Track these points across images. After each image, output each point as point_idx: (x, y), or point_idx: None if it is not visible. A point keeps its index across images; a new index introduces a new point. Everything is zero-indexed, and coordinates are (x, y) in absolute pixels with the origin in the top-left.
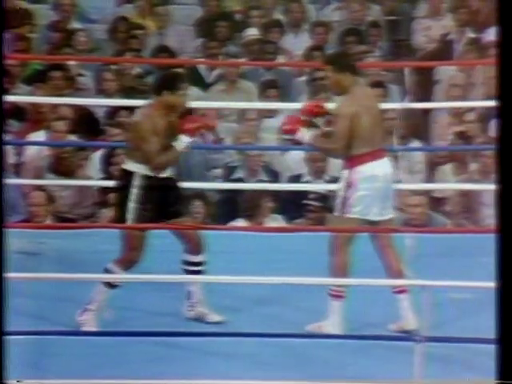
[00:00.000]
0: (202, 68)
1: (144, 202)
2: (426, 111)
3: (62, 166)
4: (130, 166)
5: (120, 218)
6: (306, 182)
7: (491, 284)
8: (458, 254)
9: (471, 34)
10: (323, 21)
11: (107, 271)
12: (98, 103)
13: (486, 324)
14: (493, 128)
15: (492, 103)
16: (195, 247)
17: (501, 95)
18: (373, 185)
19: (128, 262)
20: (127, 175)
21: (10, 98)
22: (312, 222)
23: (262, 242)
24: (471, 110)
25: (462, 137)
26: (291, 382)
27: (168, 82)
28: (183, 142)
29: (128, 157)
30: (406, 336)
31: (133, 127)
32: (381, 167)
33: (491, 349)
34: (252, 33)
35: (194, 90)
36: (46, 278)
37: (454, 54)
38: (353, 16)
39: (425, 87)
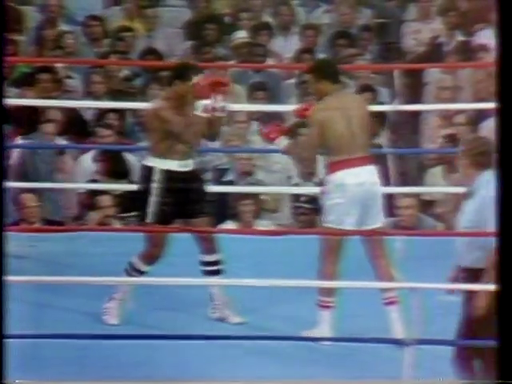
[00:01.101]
0: None
1: (164, 197)
2: (416, 114)
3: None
4: (150, 161)
5: (141, 215)
6: (296, 184)
7: (479, 287)
8: (447, 257)
9: (461, 37)
10: (313, 23)
11: (131, 265)
12: (88, 105)
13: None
14: (482, 130)
15: (481, 105)
16: (209, 247)
17: (501, 96)
18: (344, 193)
19: (151, 258)
20: (148, 171)
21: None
22: (303, 224)
23: (252, 245)
24: (461, 112)
25: (452, 139)
26: (291, 382)
27: (180, 72)
28: (202, 105)
29: (148, 152)
30: (395, 339)
31: (148, 121)
32: (355, 175)
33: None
34: (241, 35)
35: None
36: (43, 281)
37: (443, 56)
38: (342, 19)
39: (414, 90)
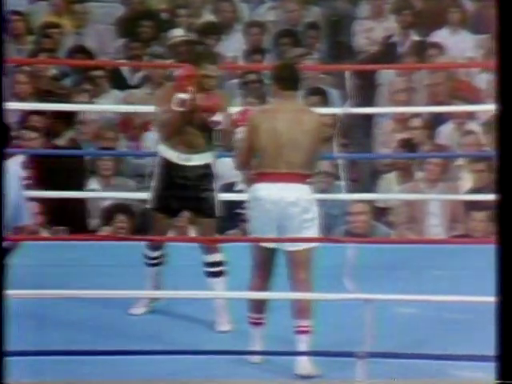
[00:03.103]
0: (124, 70)
1: (162, 185)
2: (368, 117)
3: None
4: (158, 147)
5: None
6: (240, 190)
7: (437, 298)
8: (401, 266)
9: (416, 37)
10: (257, 21)
11: (143, 255)
12: (13, 107)
13: (430, 339)
14: (439, 135)
15: (437, 108)
16: (211, 246)
17: (501, 100)
18: (258, 208)
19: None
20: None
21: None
22: (243, 232)
23: (190, 254)
24: (416, 115)
25: (407, 144)
26: (290, 382)
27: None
28: (177, 98)
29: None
30: (348, 352)
31: (155, 103)
32: (271, 191)
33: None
34: (178, 33)
35: (114, 93)
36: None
37: (397, 57)
38: (289, 16)
39: (366, 91)
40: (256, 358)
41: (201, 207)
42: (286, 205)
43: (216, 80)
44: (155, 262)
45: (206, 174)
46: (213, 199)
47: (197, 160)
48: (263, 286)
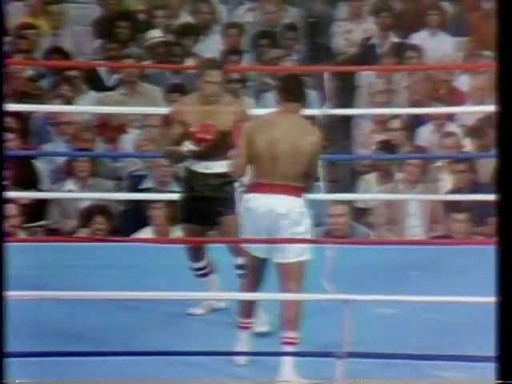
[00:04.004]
0: (101, 71)
1: (186, 196)
2: (348, 118)
3: None
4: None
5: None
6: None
7: (418, 298)
8: (381, 267)
9: (395, 39)
10: (236, 22)
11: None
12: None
13: (411, 340)
14: (418, 136)
15: (417, 110)
16: (238, 248)
17: (501, 101)
18: (249, 218)
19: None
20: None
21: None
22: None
23: (169, 255)
24: (395, 117)
25: (386, 145)
26: (289, 382)
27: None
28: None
29: None
30: (327, 352)
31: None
32: (261, 202)
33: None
34: (155, 34)
35: (92, 94)
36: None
37: (376, 58)
38: (267, 17)
39: (346, 93)
40: (241, 360)
41: (221, 209)
42: (276, 217)
43: (218, 86)
44: (202, 272)
45: (226, 181)
46: (233, 200)
47: (217, 168)
48: (253, 291)
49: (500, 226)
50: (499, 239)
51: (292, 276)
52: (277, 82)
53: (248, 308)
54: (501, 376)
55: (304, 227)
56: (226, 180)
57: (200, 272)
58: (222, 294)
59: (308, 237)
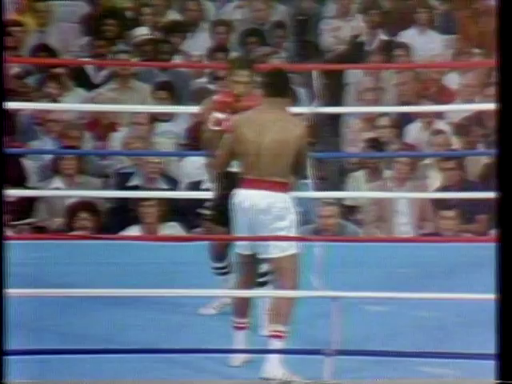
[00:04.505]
0: (88, 68)
1: (219, 199)
2: (336, 116)
3: None
4: None
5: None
6: (206, 189)
7: (406, 295)
8: (369, 264)
9: (383, 36)
10: (224, 20)
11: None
12: None
13: (399, 336)
14: (407, 134)
15: (405, 108)
16: None
17: (501, 98)
18: (235, 214)
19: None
20: None
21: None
22: (206, 230)
23: (157, 253)
24: (383, 115)
25: (374, 143)
26: (308, 382)
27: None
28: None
29: None
30: (316, 349)
31: None
32: (244, 198)
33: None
34: (142, 32)
35: (79, 92)
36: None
37: (365, 56)
38: (256, 15)
39: (334, 91)
40: (237, 361)
41: None
42: (257, 212)
43: (247, 86)
44: (223, 271)
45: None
46: None
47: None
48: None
49: (500, 225)
50: (499, 237)
51: (285, 271)
52: (262, 77)
53: (242, 308)
54: (501, 376)
55: (287, 222)
56: None
57: (220, 271)
58: (213, 291)
59: (293, 232)
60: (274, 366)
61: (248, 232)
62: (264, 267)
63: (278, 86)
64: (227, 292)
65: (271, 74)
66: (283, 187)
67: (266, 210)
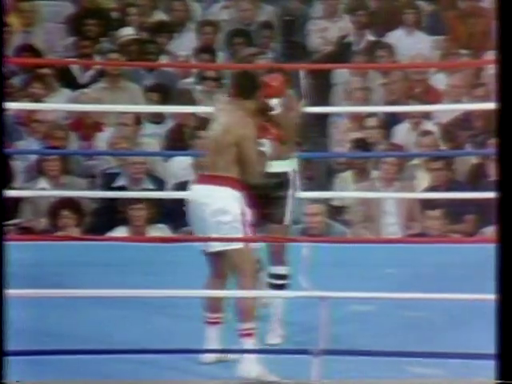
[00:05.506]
0: (74, 68)
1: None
2: (324, 116)
3: None
4: None
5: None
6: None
7: (393, 295)
8: (357, 264)
9: (371, 37)
10: (210, 20)
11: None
12: None
13: (387, 336)
14: (395, 134)
15: (393, 108)
16: (279, 258)
17: (501, 97)
18: (188, 209)
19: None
20: None
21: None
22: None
23: (143, 253)
24: (372, 115)
25: (362, 143)
26: (288, 382)
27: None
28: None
29: None
30: (303, 349)
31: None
32: (192, 193)
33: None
34: (128, 32)
35: (64, 92)
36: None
37: (352, 56)
38: (242, 15)
39: (321, 91)
40: (209, 358)
41: (270, 214)
42: (199, 206)
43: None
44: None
45: (281, 182)
46: (283, 206)
47: (276, 167)
48: (215, 287)
49: (500, 224)
50: (499, 237)
51: (233, 266)
52: (230, 79)
53: (214, 302)
54: (501, 376)
55: (231, 216)
56: (281, 180)
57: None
58: (195, 291)
59: (238, 227)
60: (249, 364)
61: (197, 227)
62: (280, 270)
63: (243, 88)
64: (211, 293)
65: (237, 75)
66: (226, 181)
67: (208, 204)
